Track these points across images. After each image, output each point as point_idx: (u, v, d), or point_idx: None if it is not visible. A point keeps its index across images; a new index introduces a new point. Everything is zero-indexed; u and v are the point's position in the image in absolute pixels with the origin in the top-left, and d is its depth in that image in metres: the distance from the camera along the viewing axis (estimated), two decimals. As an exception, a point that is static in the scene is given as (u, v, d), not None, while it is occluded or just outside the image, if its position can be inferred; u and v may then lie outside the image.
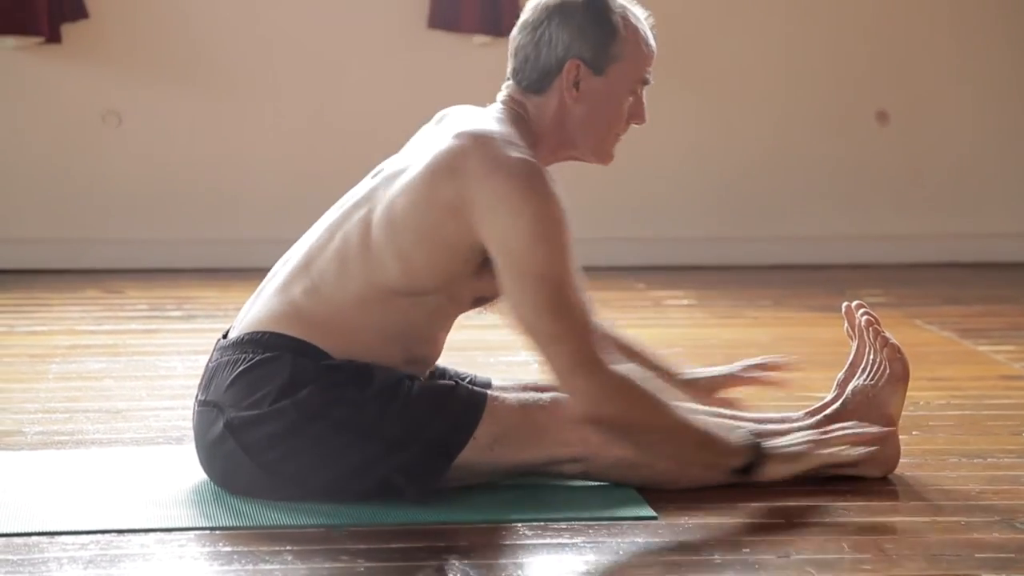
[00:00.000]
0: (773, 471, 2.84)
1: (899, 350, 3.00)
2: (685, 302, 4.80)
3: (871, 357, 3.01)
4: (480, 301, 2.86)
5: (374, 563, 2.54)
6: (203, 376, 2.88)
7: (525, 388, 3.01)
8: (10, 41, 5.18)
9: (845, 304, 3.08)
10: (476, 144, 2.76)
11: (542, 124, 2.84)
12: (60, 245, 5.31)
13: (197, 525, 2.72)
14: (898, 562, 2.56)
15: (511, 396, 2.86)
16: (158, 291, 4.90)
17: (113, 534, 2.64)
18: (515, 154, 2.73)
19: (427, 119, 2.94)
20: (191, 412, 3.14)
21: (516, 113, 2.84)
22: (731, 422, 2.97)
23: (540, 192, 2.72)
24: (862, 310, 3.04)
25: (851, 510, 2.81)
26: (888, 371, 2.99)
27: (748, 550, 2.60)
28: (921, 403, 3.56)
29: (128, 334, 4.31)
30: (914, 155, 5.66)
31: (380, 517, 2.73)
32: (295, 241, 2.93)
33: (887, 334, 3.02)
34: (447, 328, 2.89)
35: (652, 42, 2.87)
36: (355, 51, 5.21)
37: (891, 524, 2.75)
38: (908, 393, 3.02)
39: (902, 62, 5.65)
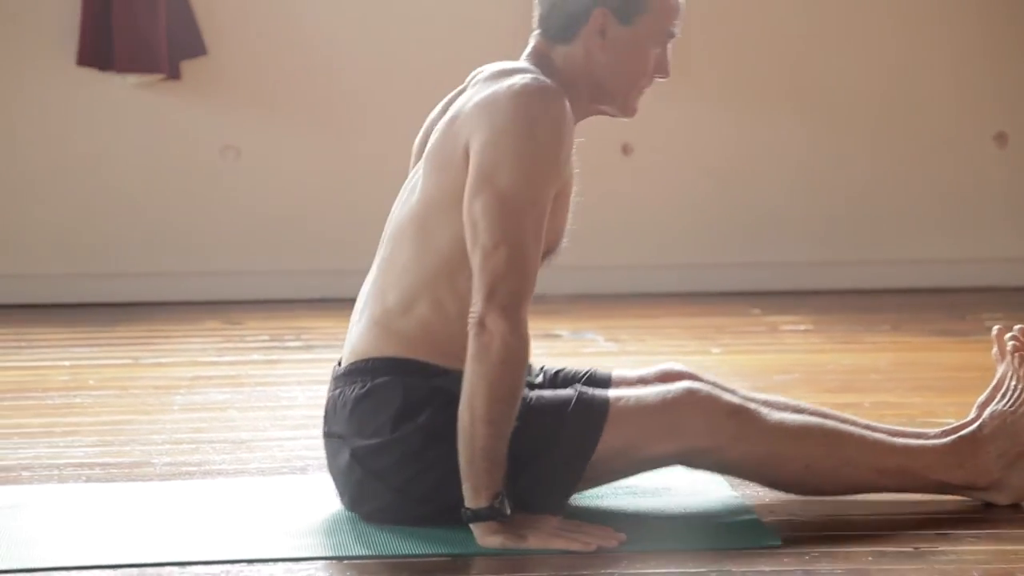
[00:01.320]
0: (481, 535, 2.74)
1: None
2: (802, 327, 4.77)
3: (1012, 383, 2.96)
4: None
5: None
6: (326, 406, 2.90)
7: (647, 380, 2.97)
8: (132, 78, 5.24)
9: (996, 328, 3.04)
10: (488, 77, 2.78)
11: (570, 74, 2.80)
12: (180, 278, 5.36)
13: (325, 555, 2.72)
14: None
15: (635, 394, 2.82)
16: (277, 322, 4.93)
17: (243, 564, 2.65)
18: (526, 77, 2.72)
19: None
20: (314, 442, 3.17)
21: (543, 63, 2.80)
22: None
23: (535, 106, 2.69)
24: (1010, 334, 2.98)
25: (981, 538, 2.78)
26: None
27: None
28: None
29: (249, 364, 4.34)
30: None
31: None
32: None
33: None
34: None
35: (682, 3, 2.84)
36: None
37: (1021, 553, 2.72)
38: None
39: (1019, 83, 5.58)
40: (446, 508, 2.74)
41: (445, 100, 2.89)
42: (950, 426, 3.01)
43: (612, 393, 2.82)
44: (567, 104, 2.71)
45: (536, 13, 2.84)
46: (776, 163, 5.40)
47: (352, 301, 4.98)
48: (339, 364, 2.90)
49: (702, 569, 2.62)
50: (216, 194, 5.39)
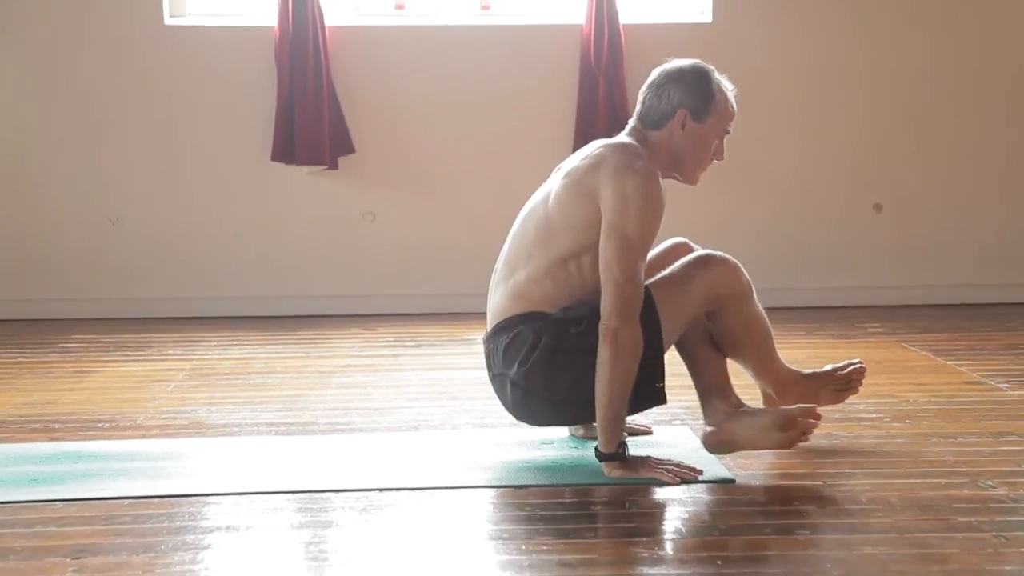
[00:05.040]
0: (608, 470, 2.72)
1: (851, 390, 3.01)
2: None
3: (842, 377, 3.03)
4: None
5: (548, 512, 2.53)
6: (486, 358, 2.90)
7: (665, 262, 2.88)
8: (306, 169, 5.27)
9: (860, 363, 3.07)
10: (614, 150, 2.77)
11: (657, 151, 2.81)
12: (336, 299, 5.37)
13: (443, 485, 2.70)
14: (900, 511, 2.50)
15: (664, 275, 2.80)
16: (399, 329, 4.93)
17: (376, 491, 2.66)
18: (640, 161, 2.73)
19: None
20: (425, 409, 3.15)
21: (640, 140, 2.82)
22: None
23: (648, 187, 2.71)
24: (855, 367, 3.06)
25: (862, 475, 2.75)
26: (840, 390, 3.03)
27: (796, 502, 2.56)
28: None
29: (381, 357, 4.33)
30: None
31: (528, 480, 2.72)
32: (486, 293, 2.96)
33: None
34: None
35: (735, 106, 2.86)
36: (516, 169, 5.20)
37: (893, 484, 2.69)
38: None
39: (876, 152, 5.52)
40: (581, 402, 2.74)
41: (578, 153, 2.87)
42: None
43: (651, 283, 2.78)
44: (661, 181, 2.77)
45: (637, 109, 2.86)
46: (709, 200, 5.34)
47: (452, 314, 5.03)
48: (487, 330, 2.89)
49: (679, 495, 2.61)
50: (359, 244, 5.40)
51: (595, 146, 2.84)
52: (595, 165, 2.76)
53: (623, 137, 2.86)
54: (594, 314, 2.70)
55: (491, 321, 2.90)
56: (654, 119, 2.82)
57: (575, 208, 2.76)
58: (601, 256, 2.69)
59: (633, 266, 2.67)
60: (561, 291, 2.79)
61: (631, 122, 2.87)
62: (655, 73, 2.86)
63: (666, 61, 2.88)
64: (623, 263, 2.66)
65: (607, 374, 2.66)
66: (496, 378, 2.89)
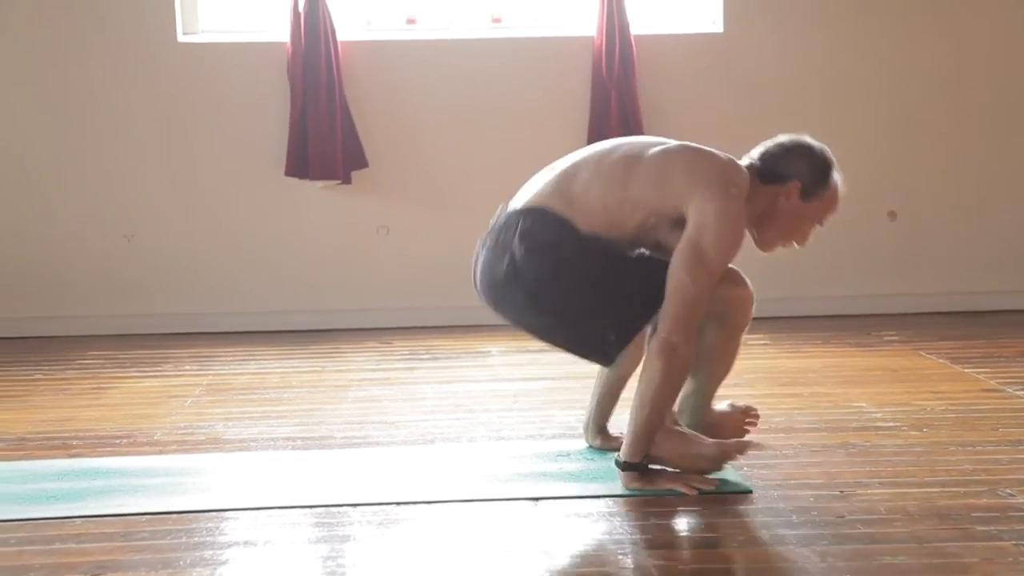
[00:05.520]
0: (627, 481, 2.71)
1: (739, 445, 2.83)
2: (762, 342, 4.72)
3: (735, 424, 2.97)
4: (658, 246, 2.77)
5: (565, 524, 2.52)
6: (495, 226, 2.86)
7: None
8: (320, 183, 5.28)
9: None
10: (721, 167, 2.73)
11: (755, 200, 2.77)
12: (349, 313, 5.37)
13: (459, 498, 2.70)
14: (919, 520, 2.49)
15: None
16: (414, 342, 4.93)
17: (393, 505, 2.66)
18: (733, 190, 2.70)
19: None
20: (440, 423, 3.13)
21: (751, 166, 2.80)
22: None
23: (734, 212, 2.68)
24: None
25: (879, 484, 2.74)
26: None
27: (814, 512, 2.55)
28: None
29: (396, 371, 4.33)
30: None
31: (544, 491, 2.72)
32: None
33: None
34: (642, 245, 2.77)
35: (839, 203, 2.85)
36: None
37: (911, 493, 2.67)
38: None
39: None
40: (549, 315, 2.74)
41: (651, 139, 2.84)
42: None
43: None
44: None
45: (760, 149, 2.83)
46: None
47: (466, 327, 5.03)
48: (516, 203, 2.85)
49: (697, 508, 2.61)
50: (372, 257, 5.41)
51: (707, 150, 2.78)
52: (692, 166, 2.72)
53: (736, 159, 2.82)
54: (616, 256, 2.70)
55: (524, 198, 2.85)
56: (769, 171, 2.80)
57: (659, 194, 2.71)
58: (676, 265, 2.65)
59: (708, 285, 2.65)
60: (603, 220, 2.73)
61: (749, 158, 2.84)
62: (787, 136, 2.85)
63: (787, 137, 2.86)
64: (699, 281, 2.63)
65: (655, 387, 2.64)
66: (497, 246, 2.82)
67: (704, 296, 2.66)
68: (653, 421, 2.67)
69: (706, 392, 2.94)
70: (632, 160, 2.78)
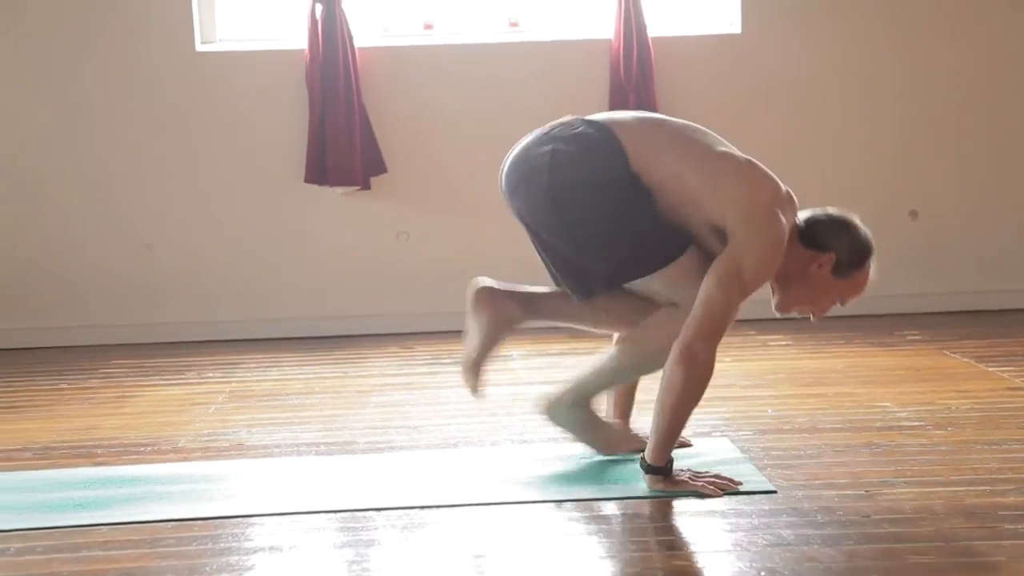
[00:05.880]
0: (651, 483, 2.70)
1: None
2: (784, 343, 4.71)
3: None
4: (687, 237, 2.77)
5: (590, 526, 2.52)
6: (547, 128, 2.83)
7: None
8: (339, 189, 5.29)
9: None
10: (773, 196, 2.72)
11: (788, 255, 2.75)
12: (372, 318, 5.38)
13: (483, 501, 2.70)
14: (945, 519, 2.48)
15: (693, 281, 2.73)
16: (436, 346, 4.93)
17: (417, 509, 2.66)
18: (782, 230, 2.70)
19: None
20: (463, 427, 3.13)
21: (794, 225, 2.79)
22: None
23: (777, 237, 2.67)
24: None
25: (905, 483, 2.73)
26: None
27: (840, 512, 2.55)
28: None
29: (418, 375, 4.34)
30: None
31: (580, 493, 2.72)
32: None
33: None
34: (671, 224, 2.75)
35: (866, 289, 2.85)
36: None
37: (937, 492, 2.66)
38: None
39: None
40: (569, 228, 2.72)
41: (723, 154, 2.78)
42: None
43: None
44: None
45: (807, 214, 2.81)
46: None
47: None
48: (575, 117, 2.83)
49: (722, 507, 2.60)
50: (394, 262, 5.42)
51: (754, 164, 2.77)
52: (739, 183, 2.71)
53: (790, 199, 2.80)
54: (647, 206, 2.69)
55: (598, 116, 2.83)
56: (810, 236, 2.79)
57: (711, 190, 2.71)
58: (712, 275, 2.65)
59: (736, 303, 2.65)
60: (655, 177, 2.71)
61: (803, 214, 2.82)
62: (838, 209, 2.84)
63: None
64: (731, 296, 2.63)
65: (675, 394, 2.63)
66: (548, 135, 2.79)
67: (732, 312, 2.66)
68: (675, 427, 2.67)
69: (589, 387, 2.95)
70: (705, 150, 2.76)
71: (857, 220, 2.83)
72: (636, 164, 2.72)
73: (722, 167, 2.73)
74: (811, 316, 2.87)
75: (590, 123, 2.79)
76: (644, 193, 2.71)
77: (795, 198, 2.82)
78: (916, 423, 3.29)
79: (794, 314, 2.88)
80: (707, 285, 2.65)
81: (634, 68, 5.18)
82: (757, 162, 2.78)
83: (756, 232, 2.66)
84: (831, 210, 2.84)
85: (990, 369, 4.04)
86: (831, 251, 2.78)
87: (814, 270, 2.78)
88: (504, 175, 2.89)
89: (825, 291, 2.81)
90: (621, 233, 2.72)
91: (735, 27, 5.37)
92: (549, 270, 2.91)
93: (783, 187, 2.78)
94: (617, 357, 2.90)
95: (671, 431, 2.67)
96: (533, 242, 2.88)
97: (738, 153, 2.79)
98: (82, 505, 2.75)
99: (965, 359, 4.23)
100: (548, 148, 2.76)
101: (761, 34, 5.34)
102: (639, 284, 2.78)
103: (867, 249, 2.82)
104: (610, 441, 2.99)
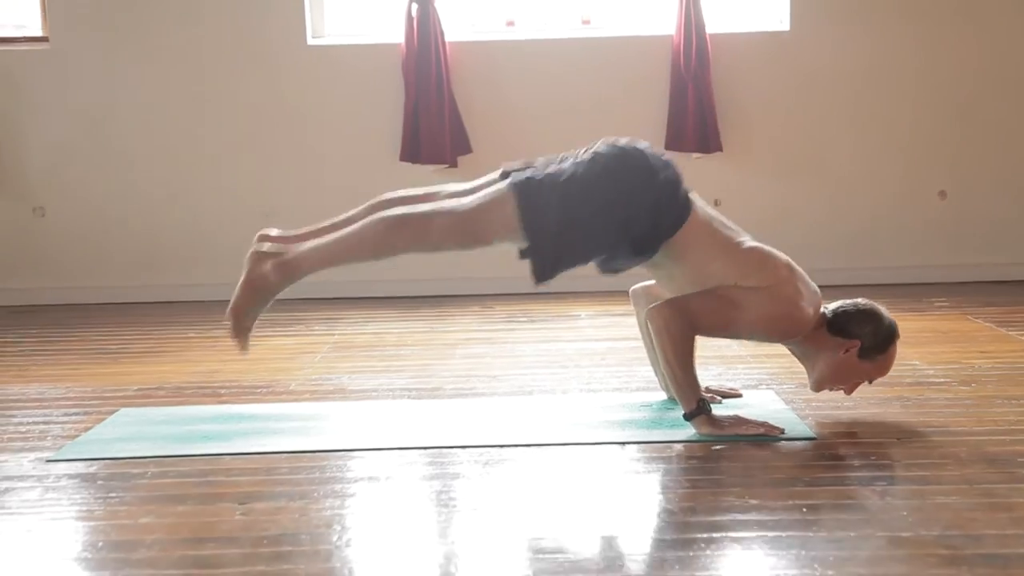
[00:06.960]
0: (698, 427, 2.67)
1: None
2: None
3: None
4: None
5: (649, 465, 2.50)
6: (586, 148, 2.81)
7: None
8: (430, 167, 5.28)
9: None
10: (795, 286, 2.71)
11: (815, 340, 2.74)
12: (456, 280, 5.40)
13: (555, 442, 2.69)
14: (969, 464, 2.44)
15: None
16: (513, 306, 4.94)
17: (496, 448, 2.67)
18: (807, 313, 2.70)
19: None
20: (538, 377, 3.11)
21: (821, 315, 2.76)
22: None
23: (781, 321, 2.70)
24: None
25: (932, 433, 2.68)
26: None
27: (873, 457, 2.52)
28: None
29: (497, 331, 4.35)
30: None
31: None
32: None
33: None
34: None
35: (890, 370, 2.81)
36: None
37: (962, 441, 2.62)
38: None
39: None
40: (564, 199, 2.70)
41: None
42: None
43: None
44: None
45: (836, 304, 2.78)
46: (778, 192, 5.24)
47: (555, 296, 5.00)
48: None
49: (765, 452, 2.58)
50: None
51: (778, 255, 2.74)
52: (767, 272, 2.69)
53: (813, 295, 2.75)
54: (652, 212, 2.66)
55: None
56: (838, 325, 2.75)
57: (738, 277, 2.70)
58: (723, 289, 2.66)
59: (716, 324, 2.66)
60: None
61: (828, 308, 2.78)
62: (865, 300, 2.79)
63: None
64: (717, 312, 2.64)
65: (658, 347, 2.67)
66: (599, 147, 2.78)
67: (708, 322, 2.65)
68: (680, 375, 2.65)
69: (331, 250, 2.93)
70: (739, 246, 2.74)
71: (882, 309, 2.78)
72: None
73: (755, 258, 2.72)
74: (843, 391, 2.83)
75: (650, 150, 2.75)
76: (684, 208, 2.69)
77: (819, 294, 2.76)
78: (943, 380, 3.23)
79: (828, 393, 2.88)
80: (713, 290, 2.66)
81: (693, 61, 5.12)
82: (789, 278, 2.73)
83: (776, 300, 2.66)
84: (859, 300, 2.79)
85: (1010, 333, 3.95)
86: (857, 338, 2.73)
87: (841, 355, 2.75)
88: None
89: (852, 372, 2.78)
90: (614, 222, 2.67)
91: (784, 25, 5.28)
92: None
93: (812, 285, 2.75)
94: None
95: (681, 380, 2.66)
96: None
97: (781, 261, 2.75)
98: (208, 437, 2.81)
99: (987, 324, 4.15)
100: (586, 162, 2.75)
101: (808, 31, 5.25)
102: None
103: (891, 336, 2.76)
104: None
